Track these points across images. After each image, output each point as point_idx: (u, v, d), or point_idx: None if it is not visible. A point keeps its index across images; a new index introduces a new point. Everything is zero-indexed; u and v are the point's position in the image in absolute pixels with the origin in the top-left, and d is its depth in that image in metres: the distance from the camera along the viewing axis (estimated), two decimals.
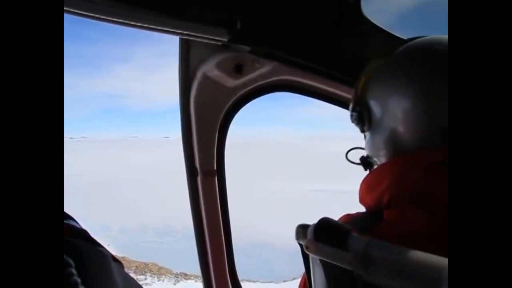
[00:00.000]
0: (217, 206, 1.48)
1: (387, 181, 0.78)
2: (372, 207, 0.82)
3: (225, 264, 1.59)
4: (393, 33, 1.34)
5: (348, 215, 0.86)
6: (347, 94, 1.48)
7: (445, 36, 0.83)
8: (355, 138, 1.08)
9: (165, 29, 1.03)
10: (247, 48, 1.20)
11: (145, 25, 0.99)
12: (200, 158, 1.41)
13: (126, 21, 0.97)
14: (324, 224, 0.75)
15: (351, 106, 0.95)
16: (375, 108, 0.87)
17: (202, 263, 1.56)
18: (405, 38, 0.92)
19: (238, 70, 1.27)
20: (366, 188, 0.85)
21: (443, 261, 0.54)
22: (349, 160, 1.06)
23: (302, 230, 0.80)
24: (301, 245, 0.82)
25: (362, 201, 0.87)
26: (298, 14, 1.26)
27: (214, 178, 1.45)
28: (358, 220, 0.80)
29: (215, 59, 1.24)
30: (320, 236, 0.74)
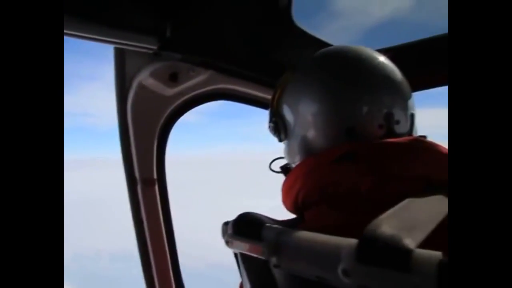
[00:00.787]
0: (159, 215, 1.47)
1: (300, 182, 0.82)
2: (294, 211, 0.86)
3: (170, 276, 1.57)
4: (326, 40, 1.42)
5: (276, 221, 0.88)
6: None
7: (356, 46, 0.91)
8: None
9: (94, 37, 1.03)
10: (179, 56, 1.22)
11: (73, 33, 0.98)
12: (139, 167, 1.40)
13: None
14: (242, 218, 0.79)
15: (268, 118, 1.01)
16: (288, 117, 0.92)
17: (146, 275, 1.53)
18: None
19: (173, 78, 1.29)
20: (285, 192, 0.89)
21: (342, 241, 0.57)
22: (272, 170, 1.10)
23: (226, 227, 0.83)
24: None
25: (285, 206, 0.91)
26: (229, 21, 1.30)
27: (155, 187, 1.44)
28: (281, 223, 0.83)
29: (149, 68, 1.25)
30: (238, 230, 0.77)
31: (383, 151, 0.75)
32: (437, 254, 0.49)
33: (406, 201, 0.64)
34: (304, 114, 0.88)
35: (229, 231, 0.78)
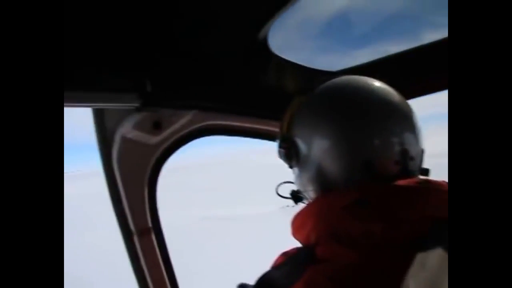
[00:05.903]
0: (160, 263, 1.44)
1: (311, 223, 0.82)
2: (304, 243, 0.86)
3: None
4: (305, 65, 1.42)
5: (285, 254, 0.88)
6: (268, 127, 1.55)
7: (363, 78, 0.91)
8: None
9: (73, 104, 0.98)
10: (161, 109, 1.19)
11: None
12: (133, 219, 1.36)
13: None
14: (261, 285, 0.76)
15: (278, 142, 0.99)
16: (301, 145, 0.91)
17: None
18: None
19: (157, 126, 1.25)
20: (296, 228, 0.89)
21: None
22: (279, 195, 1.11)
23: None
24: None
25: (295, 237, 0.91)
26: (207, 60, 1.27)
27: (151, 235, 1.40)
28: (293, 258, 0.83)
29: (131, 121, 1.20)
30: None
31: (394, 197, 0.76)
32: None
33: (419, 257, 0.66)
34: (318, 146, 0.87)
35: None
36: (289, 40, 1.48)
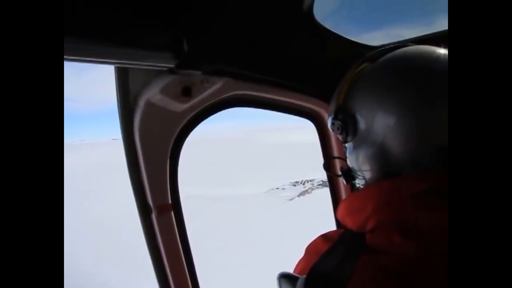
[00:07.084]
0: (178, 243, 1.33)
1: (372, 206, 0.73)
2: (353, 229, 0.77)
3: None
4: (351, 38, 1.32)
5: (327, 238, 0.79)
6: (301, 102, 1.46)
7: (424, 47, 0.79)
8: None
9: (103, 60, 0.85)
10: (197, 73, 1.06)
11: (79, 58, 0.80)
12: (152, 193, 1.24)
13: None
14: (316, 277, 0.68)
15: (332, 113, 0.88)
16: (361, 119, 0.81)
17: None
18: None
19: (186, 93, 1.12)
20: (347, 211, 0.80)
21: None
22: (330, 173, 1.07)
23: (288, 281, 0.73)
24: None
25: (341, 221, 0.82)
26: (249, 27, 1.16)
27: (170, 213, 1.30)
28: (340, 245, 0.74)
29: (159, 84, 1.07)
30: None
31: None
32: None
33: None
34: (382, 122, 0.77)
35: None
36: (335, 12, 1.38)
